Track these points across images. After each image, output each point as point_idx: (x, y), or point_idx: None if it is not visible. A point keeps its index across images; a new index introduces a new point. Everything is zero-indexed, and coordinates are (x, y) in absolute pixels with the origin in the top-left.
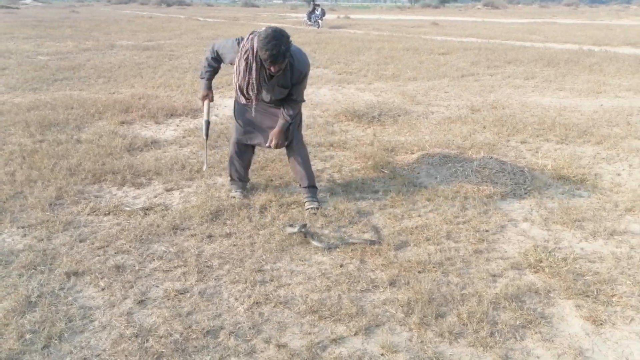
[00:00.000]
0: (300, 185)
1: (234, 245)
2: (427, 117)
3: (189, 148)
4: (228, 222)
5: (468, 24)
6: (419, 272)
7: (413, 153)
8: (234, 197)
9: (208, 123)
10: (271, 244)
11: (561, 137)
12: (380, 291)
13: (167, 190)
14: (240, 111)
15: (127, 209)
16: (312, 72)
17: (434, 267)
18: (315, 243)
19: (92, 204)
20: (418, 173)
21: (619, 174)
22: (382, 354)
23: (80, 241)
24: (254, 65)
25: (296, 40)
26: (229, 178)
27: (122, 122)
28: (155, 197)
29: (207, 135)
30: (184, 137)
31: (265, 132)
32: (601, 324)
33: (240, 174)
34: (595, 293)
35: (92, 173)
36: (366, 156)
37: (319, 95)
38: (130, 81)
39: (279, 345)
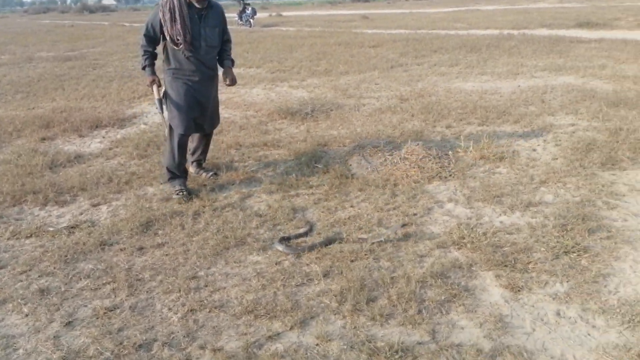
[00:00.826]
0: (197, 167)
1: (166, 255)
2: (358, 109)
3: (117, 160)
4: (160, 232)
5: (397, 15)
6: (352, 261)
7: (345, 146)
8: (180, 194)
9: (160, 101)
10: (205, 250)
11: (482, 120)
12: (315, 284)
13: (94, 206)
14: (178, 91)
15: (51, 229)
16: (245, 72)
17: (365, 254)
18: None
19: (12, 228)
20: (350, 165)
21: (534, 150)
22: (317, 344)
23: (1, 268)
24: (177, 8)
25: None
26: (168, 177)
27: (43, 139)
28: (81, 214)
29: (162, 110)
30: (110, 148)
31: (206, 109)
32: (519, 290)
33: (181, 168)
34: (513, 262)
35: (10, 195)
36: (300, 153)
37: (252, 95)
38: (51, 94)
39: (214, 349)
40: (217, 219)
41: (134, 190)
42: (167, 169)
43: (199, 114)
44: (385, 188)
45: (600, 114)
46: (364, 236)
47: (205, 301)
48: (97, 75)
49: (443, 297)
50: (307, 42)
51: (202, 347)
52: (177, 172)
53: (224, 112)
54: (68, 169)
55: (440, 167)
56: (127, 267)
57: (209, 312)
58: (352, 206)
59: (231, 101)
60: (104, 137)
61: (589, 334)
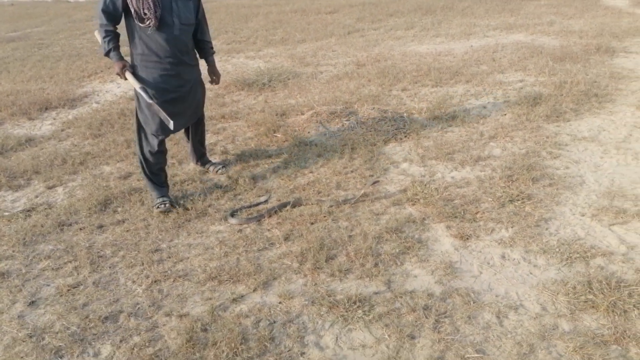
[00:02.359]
0: (202, 162)
1: (127, 231)
2: (316, 77)
3: (70, 141)
4: (119, 209)
5: None
6: (312, 223)
7: (303, 114)
8: (160, 208)
9: (144, 88)
10: (167, 223)
11: (436, 81)
12: (277, 247)
13: (49, 188)
14: (147, 82)
15: (6, 213)
16: None
17: (324, 216)
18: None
19: None
20: (308, 132)
21: (484, 107)
22: (279, 302)
23: None
24: None
25: None
26: (148, 184)
27: None
28: (37, 197)
29: (151, 97)
30: (62, 130)
31: (184, 103)
32: (467, 238)
33: (162, 176)
34: (463, 213)
35: None
36: (258, 123)
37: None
38: None
39: (180, 315)
40: (177, 193)
41: (89, 170)
42: (145, 176)
43: (176, 109)
44: (343, 152)
45: (547, 69)
46: (325, 198)
47: (169, 272)
48: (43, 55)
49: (398, 250)
50: (262, 10)
51: (168, 315)
52: (157, 181)
53: None
54: (19, 153)
55: (396, 129)
56: (87, 245)
57: (173, 281)
58: (311, 172)
59: None
60: (54, 119)
61: (531, 273)
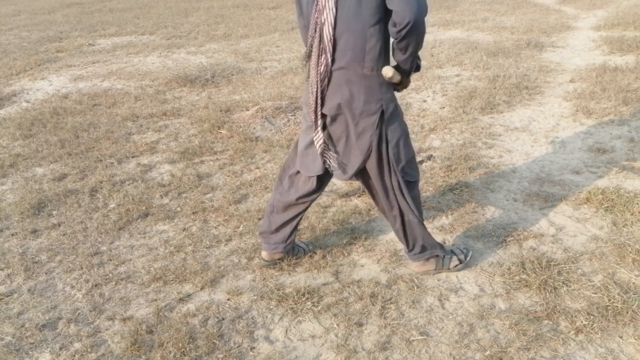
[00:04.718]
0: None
1: (64, 234)
2: (260, 73)
3: None
4: (54, 212)
5: None
6: (259, 219)
7: (248, 110)
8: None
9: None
10: (106, 225)
11: None
12: (224, 244)
13: None
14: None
15: None
16: (137, 40)
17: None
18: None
19: None
20: (254, 128)
21: (424, 101)
22: (228, 299)
23: None
24: None
25: (114, 5)
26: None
27: None
28: None
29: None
30: None
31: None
32: None
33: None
34: None
35: None
36: (202, 120)
37: (147, 64)
38: None
39: (124, 318)
40: (117, 193)
41: (20, 172)
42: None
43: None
44: (289, 147)
45: (481, 64)
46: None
47: (110, 275)
48: None
49: (345, 241)
50: (203, 5)
51: (110, 318)
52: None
53: (116, 84)
54: None
55: None
56: (21, 251)
57: (116, 284)
58: (257, 168)
59: (124, 71)
60: None
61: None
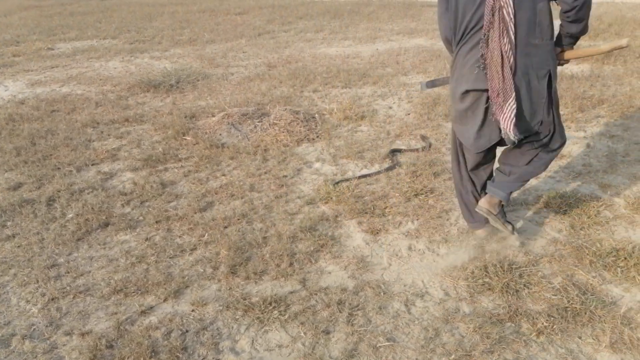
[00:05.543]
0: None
1: (19, 246)
2: (226, 78)
3: None
4: (8, 223)
5: None
6: (225, 227)
7: (214, 116)
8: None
9: None
10: (64, 236)
11: (345, 82)
12: (188, 254)
13: None
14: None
15: None
16: (99, 44)
17: (238, 219)
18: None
19: None
20: (220, 134)
21: (390, 107)
22: (192, 310)
23: None
24: None
25: (75, 9)
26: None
27: None
28: None
29: None
30: None
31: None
32: (377, 232)
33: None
34: (372, 209)
35: None
36: (166, 126)
37: (108, 69)
38: None
39: (82, 333)
40: (75, 202)
41: None
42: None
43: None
44: (256, 154)
45: (445, 71)
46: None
47: (68, 288)
48: None
49: (312, 248)
50: (167, 9)
51: (68, 334)
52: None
53: (75, 89)
54: None
55: (308, 130)
56: None
57: (74, 298)
58: (223, 175)
59: (84, 76)
60: None
61: (434, 261)
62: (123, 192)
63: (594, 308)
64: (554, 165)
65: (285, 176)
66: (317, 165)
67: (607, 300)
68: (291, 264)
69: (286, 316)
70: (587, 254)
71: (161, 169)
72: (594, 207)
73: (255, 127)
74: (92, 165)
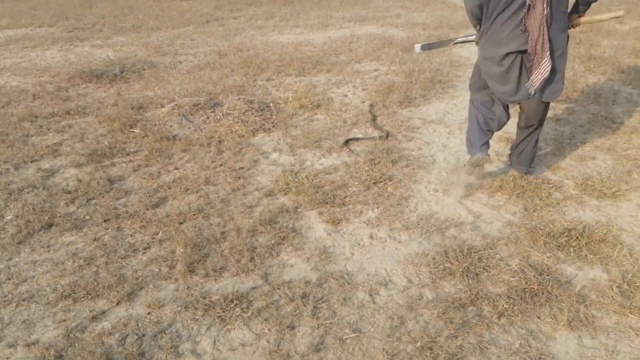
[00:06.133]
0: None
1: None
2: (175, 67)
3: None
4: None
5: None
6: (180, 223)
7: (164, 107)
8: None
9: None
10: (3, 240)
11: (299, 70)
12: (142, 253)
13: None
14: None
15: None
16: (34, 32)
17: (194, 214)
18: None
19: None
20: (171, 126)
21: (345, 95)
22: (148, 313)
23: None
24: None
25: None
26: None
27: None
28: None
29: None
30: None
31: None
32: (338, 222)
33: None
34: (333, 199)
35: None
36: (111, 118)
37: (46, 59)
38: None
39: (28, 344)
40: (14, 203)
41: None
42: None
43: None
44: (210, 146)
45: (397, 59)
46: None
47: (9, 296)
48: None
49: (273, 242)
50: None
51: (12, 345)
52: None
53: (10, 81)
54: None
55: (263, 120)
56: None
57: (16, 306)
58: (176, 168)
59: (19, 67)
60: None
61: (396, 249)
62: (67, 190)
63: (551, 288)
64: (506, 150)
65: (242, 168)
66: (274, 155)
67: (563, 279)
68: (252, 259)
69: (249, 313)
70: (541, 235)
71: (108, 164)
72: (545, 189)
73: (208, 117)
74: (32, 162)
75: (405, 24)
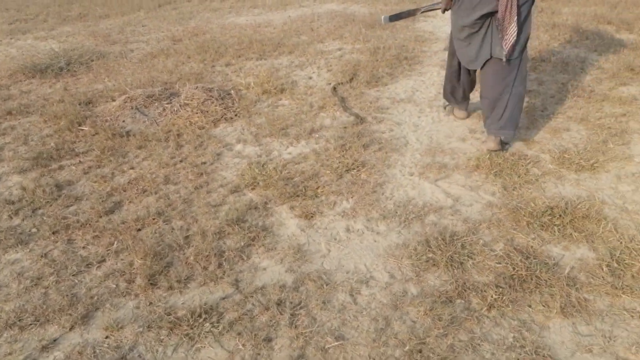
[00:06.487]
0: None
1: None
2: (126, 56)
3: None
4: None
5: None
6: (138, 230)
7: (115, 100)
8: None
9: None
10: None
11: (260, 53)
12: (96, 267)
13: None
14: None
15: None
16: None
17: (153, 219)
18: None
19: None
20: (123, 121)
21: (310, 78)
22: (106, 337)
23: None
24: None
25: None
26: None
27: None
28: None
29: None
30: None
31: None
32: (312, 216)
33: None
34: (304, 190)
35: None
36: (58, 116)
37: None
38: None
39: None
40: None
41: None
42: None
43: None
44: (168, 141)
45: (361, 36)
46: None
47: None
48: None
49: (242, 244)
50: None
51: None
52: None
53: None
54: None
55: (225, 109)
56: None
57: None
58: (131, 168)
59: None
60: None
61: (375, 241)
62: (9, 200)
63: (539, 272)
64: (479, 127)
65: (204, 163)
66: (238, 147)
67: (550, 262)
68: (220, 265)
69: (220, 328)
70: (524, 216)
71: (55, 167)
72: (522, 166)
73: (164, 109)
74: None
75: None
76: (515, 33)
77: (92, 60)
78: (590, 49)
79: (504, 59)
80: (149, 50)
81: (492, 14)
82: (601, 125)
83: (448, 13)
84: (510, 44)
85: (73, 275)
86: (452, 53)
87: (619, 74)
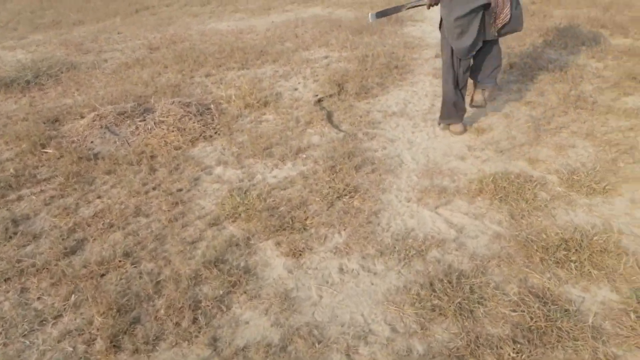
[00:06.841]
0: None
1: None
2: (99, 67)
3: None
4: None
5: None
6: (102, 275)
7: (84, 117)
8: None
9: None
10: None
11: (242, 63)
12: (51, 325)
13: None
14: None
15: None
16: None
17: (120, 261)
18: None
19: None
20: (92, 142)
21: (296, 89)
22: None
23: None
24: None
25: None
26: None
27: None
28: None
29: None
30: None
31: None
32: (300, 254)
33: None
34: (291, 222)
35: None
36: (20, 137)
37: None
38: None
39: None
40: None
41: None
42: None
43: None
44: (140, 164)
45: (348, 43)
46: None
47: None
48: None
49: (221, 291)
50: None
51: None
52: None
53: None
54: None
55: (204, 125)
56: None
57: None
58: (98, 197)
59: None
60: None
61: (372, 284)
62: None
63: (560, 322)
64: (478, 143)
65: (180, 190)
66: (218, 170)
67: (571, 308)
68: (195, 320)
69: None
70: (536, 250)
71: (13, 198)
72: (529, 189)
73: (137, 128)
74: None
75: (352, 3)
76: (509, 15)
77: (62, 72)
78: (587, 55)
79: (497, 36)
80: (123, 60)
81: (486, 5)
82: (608, 141)
83: (433, 8)
84: (503, 23)
85: (23, 336)
86: (450, 65)
87: (621, 82)
